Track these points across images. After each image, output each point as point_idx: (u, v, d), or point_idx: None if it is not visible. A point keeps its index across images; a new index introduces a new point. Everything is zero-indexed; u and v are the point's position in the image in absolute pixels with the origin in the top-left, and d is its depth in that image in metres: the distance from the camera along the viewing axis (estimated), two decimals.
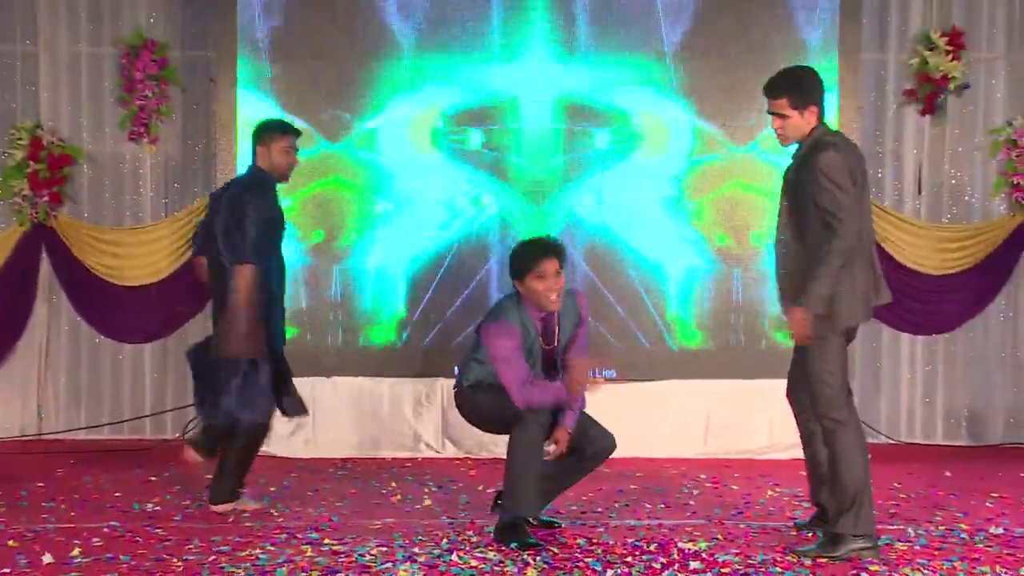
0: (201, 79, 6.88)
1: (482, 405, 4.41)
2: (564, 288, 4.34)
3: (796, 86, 4.10)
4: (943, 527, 4.54)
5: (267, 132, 4.81)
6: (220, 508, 4.72)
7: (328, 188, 6.42)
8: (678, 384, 6.39)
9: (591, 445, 4.42)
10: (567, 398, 4.29)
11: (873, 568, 3.79)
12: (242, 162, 6.34)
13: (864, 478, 4.02)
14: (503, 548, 4.02)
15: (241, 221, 4.53)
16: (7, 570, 3.72)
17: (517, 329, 4.27)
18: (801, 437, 4.45)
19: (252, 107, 6.32)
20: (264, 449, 6.22)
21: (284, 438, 6.30)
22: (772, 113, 4.14)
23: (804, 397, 4.23)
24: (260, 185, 4.72)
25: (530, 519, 4.26)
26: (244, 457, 4.81)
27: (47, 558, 3.85)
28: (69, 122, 6.88)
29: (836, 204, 3.91)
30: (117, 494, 5.12)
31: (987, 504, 5.07)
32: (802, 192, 4.04)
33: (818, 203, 3.95)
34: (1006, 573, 3.77)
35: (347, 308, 6.41)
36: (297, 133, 4.89)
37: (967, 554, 4.06)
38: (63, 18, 6.86)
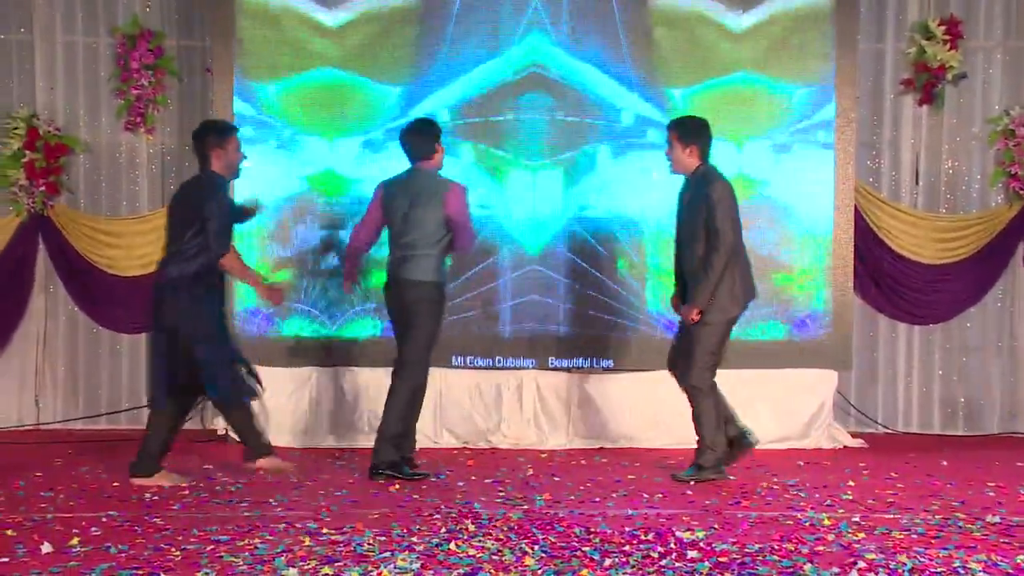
0: (197, 68, 6.87)
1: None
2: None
3: (684, 127, 5.30)
4: (940, 516, 4.55)
5: (226, 133, 5.17)
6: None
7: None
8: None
9: None
10: None
11: (870, 556, 3.80)
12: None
13: (716, 427, 5.27)
14: (501, 537, 4.03)
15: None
16: (6, 559, 3.72)
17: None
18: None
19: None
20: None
21: (283, 429, 6.32)
22: (667, 142, 5.33)
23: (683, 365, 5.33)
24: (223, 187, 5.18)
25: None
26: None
27: (46, 547, 3.85)
28: (65, 111, 6.88)
29: (727, 223, 5.13)
30: (115, 484, 5.12)
31: (984, 493, 5.09)
32: (697, 213, 5.18)
33: (710, 223, 5.12)
34: (1003, 561, 3.78)
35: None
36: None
37: (964, 542, 4.07)
38: (59, 6, 6.85)
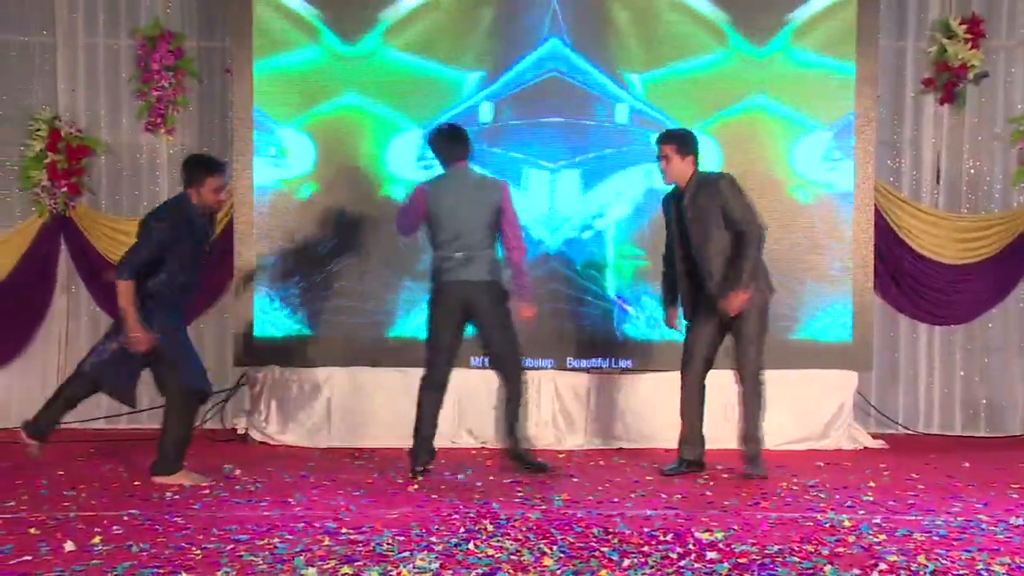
0: (217, 69, 6.91)
1: None
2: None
3: (683, 140, 5.41)
4: (962, 518, 4.52)
5: (204, 171, 5.16)
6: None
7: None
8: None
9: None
10: None
11: (891, 558, 3.78)
12: (258, 153, 6.38)
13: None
14: (519, 537, 4.03)
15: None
16: (29, 557, 3.75)
17: None
18: (694, 399, 5.55)
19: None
20: (283, 439, 6.31)
21: (303, 429, 6.34)
22: (659, 157, 5.42)
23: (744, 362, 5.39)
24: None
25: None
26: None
27: (69, 546, 3.88)
28: (87, 113, 6.93)
29: (748, 210, 5.27)
30: (137, 483, 5.15)
31: (1007, 495, 5.05)
32: (706, 213, 5.29)
33: (731, 215, 5.23)
34: None
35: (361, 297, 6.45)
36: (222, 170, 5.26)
37: (986, 545, 4.04)
38: (81, 9, 6.90)
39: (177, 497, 4.82)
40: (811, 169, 6.44)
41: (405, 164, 6.46)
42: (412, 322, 6.39)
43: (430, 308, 5.36)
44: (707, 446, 5.60)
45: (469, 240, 5.23)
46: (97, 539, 3.98)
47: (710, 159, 6.17)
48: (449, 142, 5.34)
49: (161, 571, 3.57)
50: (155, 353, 5.08)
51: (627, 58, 6.41)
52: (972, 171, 6.99)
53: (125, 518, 4.36)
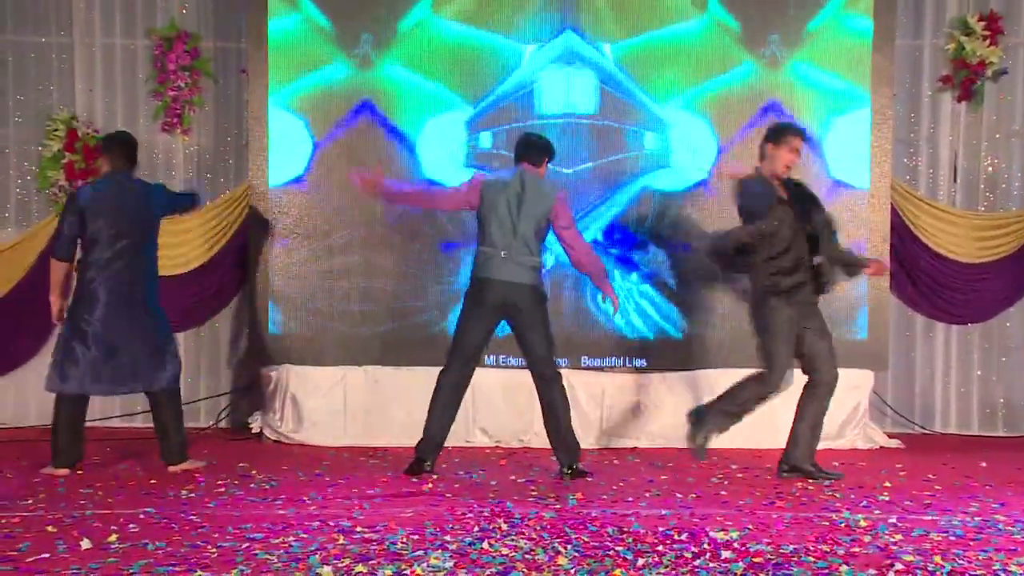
0: (233, 70, 6.93)
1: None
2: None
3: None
4: (979, 518, 4.49)
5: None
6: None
7: None
8: (712, 373, 6.38)
9: None
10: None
11: (907, 558, 3.76)
12: (274, 152, 6.40)
13: None
14: (533, 536, 4.03)
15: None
16: (47, 555, 3.77)
17: None
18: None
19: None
20: (297, 438, 6.33)
21: (317, 428, 6.36)
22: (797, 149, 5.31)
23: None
24: None
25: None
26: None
27: (85, 543, 3.89)
28: (104, 113, 6.96)
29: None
30: (152, 481, 5.18)
31: None
32: (820, 211, 5.32)
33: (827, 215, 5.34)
34: None
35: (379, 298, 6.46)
36: None
37: (1004, 545, 4.01)
38: (98, 10, 6.93)
39: (193, 495, 4.84)
40: (830, 165, 6.42)
41: (436, 155, 6.45)
42: (427, 322, 6.40)
43: (466, 303, 5.35)
44: (718, 445, 5.59)
45: (515, 242, 5.24)
46: (113, 537, 4.00)
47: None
48: (526, 146, 5.40)
49: (177, 569, 3.58)
50: None
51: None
52: (990, 169, 6.96)
53: (141, 516, 4.38)
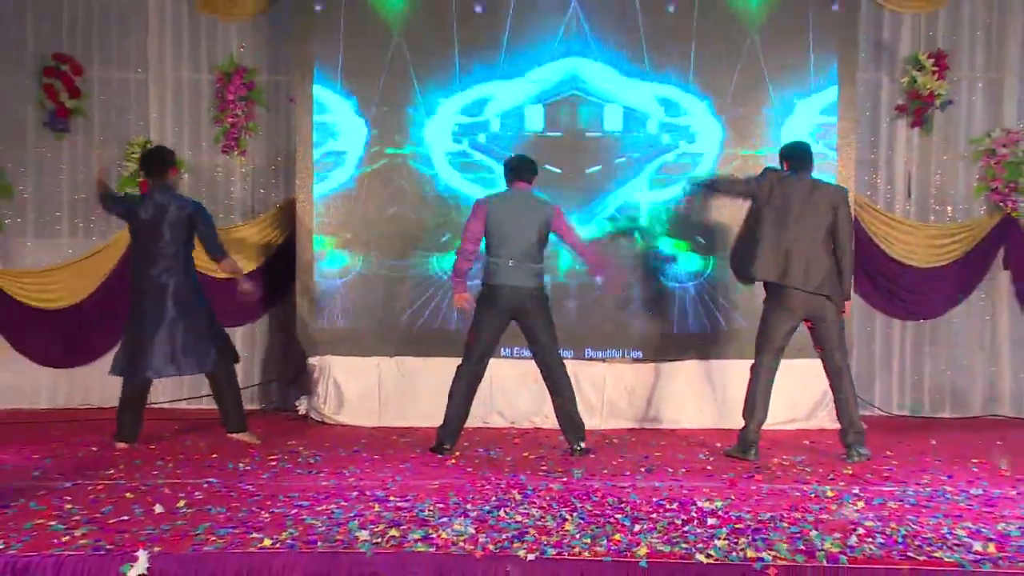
0: (283, 99, 6.94)
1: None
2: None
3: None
4: (930, 488, 4.47)
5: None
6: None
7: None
8: (701, 363, 6.35)
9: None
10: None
11: (868, 524, 3.74)
12: (318, 171, 6.39)
13: None
14: (543, 506, 4.02)
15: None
16: (125, 517, 3.79)
17: None
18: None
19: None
20: (338, 419, 6.33)
21: (355, 410, 6.36)
22: None
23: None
24: None
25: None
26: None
27: (158, 508, 3.91)
28: (173, 138, 6.97)
29: None
30: (214, 455, 5.19)
31: (969, 468, 4.99)
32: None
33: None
34: (985, 528, 3.71)
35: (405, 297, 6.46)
36: None
37: (951, 512, 4.00)
38: (168, 49, 6.95)
39: (248, 468, 4.84)
40: None
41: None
42: (448, 319, 6.38)
43: (480, 306, 5.34)
44: (699, 426, 5.56)
45: (519, 251, 5.23)
46: (182, 503, 4.02)
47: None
48: (517, 167, 5.39)
49: (236, 531, 3.59)
50: None
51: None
52: (939, 185, 6.91)
53: (205, 485, 4.40)
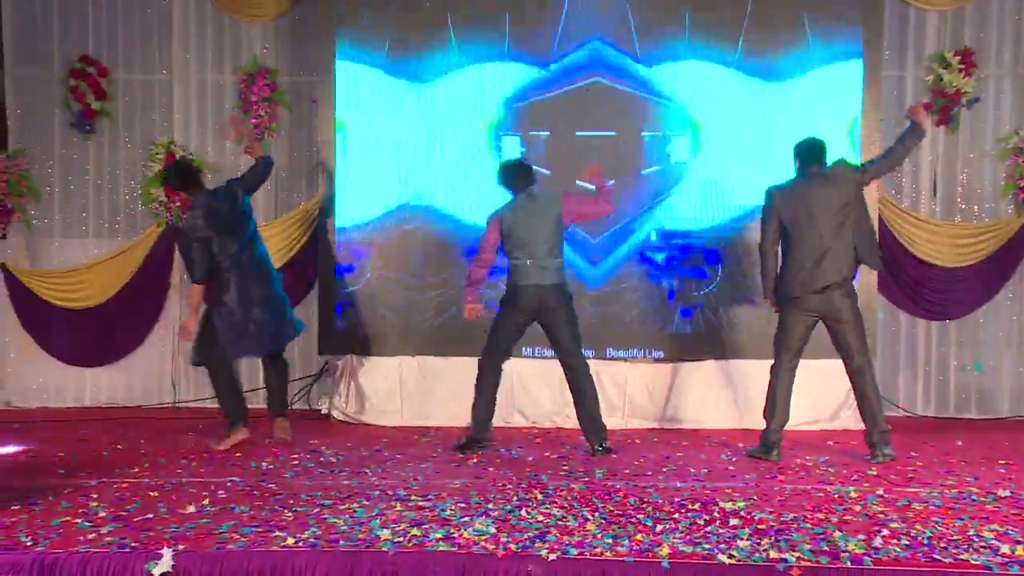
0: (304, 100, 6.97)
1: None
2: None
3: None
4: (956, 490, 4.42)
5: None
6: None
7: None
8: (720, 364, 6.32)
9: None
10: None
11: (893, 525, 3.71)
12: (341, 172, 6.42)
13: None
14: (565, 505, 4.01)
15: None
16: (150, 515, 3.82)
17: None
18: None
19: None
20: (360, 418, 6.35)
21: (377, 410, 6.38)
22: None
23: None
24: None
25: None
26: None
27: (191, 508, 3.93)
28: (197, 138, 7.02)
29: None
30: (238, 454, 5.22)
31: (996, 470, 4.93)
32: None
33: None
34: (1013, 530, 3.66)
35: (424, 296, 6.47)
36: None
37: (977, 514, 3.95)
38: (193, 51, 7.01)
39: (271, 467, 4.87)
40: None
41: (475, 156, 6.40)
42: (467, 320, 6.34)
43: (503, 306, 5.39)
44: (721, 426, 5.52)
45: (538, 250, 5.25)
46: (206, 501, 4.05)
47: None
48: (516, 176, 5.39)
49: (259, 530, 3.61)
50: None
51: None
52: (965, 184, 6.84)
53: (228, 484, 4.43)
